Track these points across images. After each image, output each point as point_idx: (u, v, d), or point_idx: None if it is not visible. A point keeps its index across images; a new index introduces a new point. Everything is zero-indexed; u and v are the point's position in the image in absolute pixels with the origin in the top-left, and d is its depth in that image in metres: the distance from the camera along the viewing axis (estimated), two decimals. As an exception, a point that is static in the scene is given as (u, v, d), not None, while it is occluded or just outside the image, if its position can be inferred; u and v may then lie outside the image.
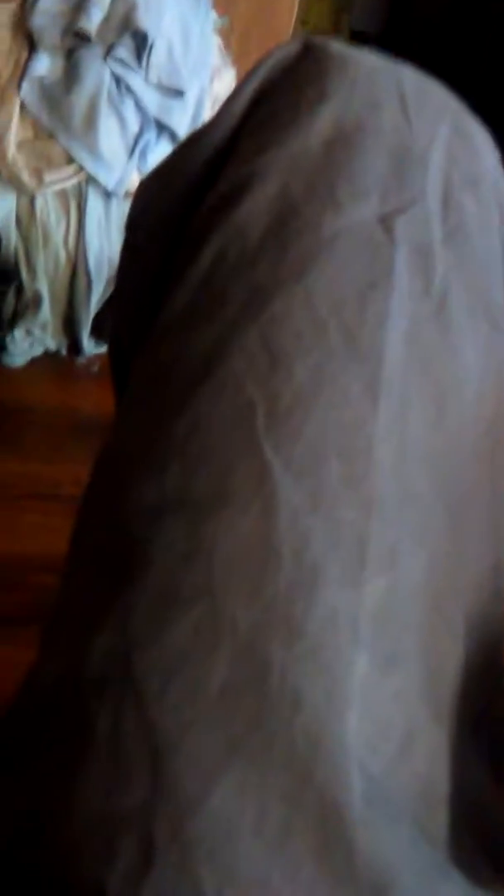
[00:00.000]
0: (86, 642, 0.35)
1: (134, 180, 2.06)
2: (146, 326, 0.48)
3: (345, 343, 0.40)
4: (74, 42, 1.89)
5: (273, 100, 0.50)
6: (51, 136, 1.97)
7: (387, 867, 0.31)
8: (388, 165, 0.46)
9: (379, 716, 0.34)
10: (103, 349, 2.15)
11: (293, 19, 2.22)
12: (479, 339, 0.44)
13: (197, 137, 0.53)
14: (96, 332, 2.18)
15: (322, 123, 0.47)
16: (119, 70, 1.92)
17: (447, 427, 0.41)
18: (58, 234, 2.06)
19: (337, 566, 0.35)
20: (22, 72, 1.91)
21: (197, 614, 0.34)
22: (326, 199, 0.44)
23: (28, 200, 2.02)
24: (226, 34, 2.16)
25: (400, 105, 0.48)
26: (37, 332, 2.10)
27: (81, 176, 2.01)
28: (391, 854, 0.31)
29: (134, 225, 0.57)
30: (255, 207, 0.45)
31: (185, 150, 0.54)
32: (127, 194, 2.08)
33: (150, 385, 0.43)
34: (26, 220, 2.04)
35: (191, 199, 0.51)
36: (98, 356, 2.14)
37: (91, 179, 2.01)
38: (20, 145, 1.97)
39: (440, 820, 0.34)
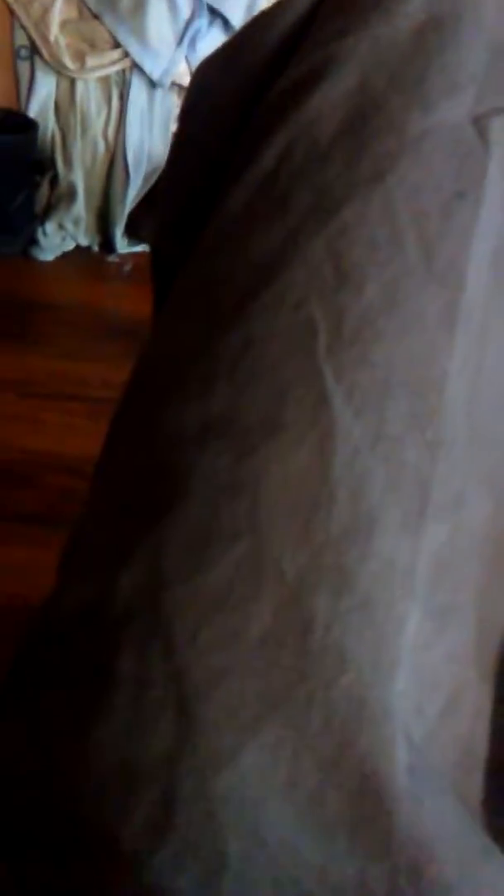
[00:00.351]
0: (113, 575, 0.32)
1: (182, 71, 1.97)
2: (196, 229, 0.44)
3: (424, 259, 0.35)
4: None
5: (357, -23, 0.44)
6: (96, 16, 1.88)
7: (426, 844, 0.29)
8: (486, 60, 0.40)
9: (427, 675, 0.31)
10: (137, 248, 2.10)
11: None
12: None
13: (267, 16, 0.48)
14: (130, 230, 2.12)
15: (414, 7, 0.41)
16: None
17: None
18: (97, 124, 1.98)
19: (396, 511, 0.32)
20: None
21: (238, 554, 0.31)
22: (413, 94, 0.39)
23: (68, 85, 1.94)
24: None
25: None
26: (69, 226, 2.05)
27: (126, 62, 1.92)
28: (431, 830, 0.29)
29: (189, 112, 0.52)
30: (330, 99, 0.40)
31: (253, 30, 0.48)
32: (173, 85, 1.99)
33: (198, 295, 0.39)
34: (65, 106, 1.96)
35: (256, 86, 0.46)
36: (131, 255, 2.09)
37: (136, 67, 1.92)
38: (63, 25, 1.88)
39: (476, 780, 0.32)
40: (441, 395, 0.35)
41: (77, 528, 0.37)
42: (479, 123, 0.39)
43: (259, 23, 0.49)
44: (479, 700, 0.33)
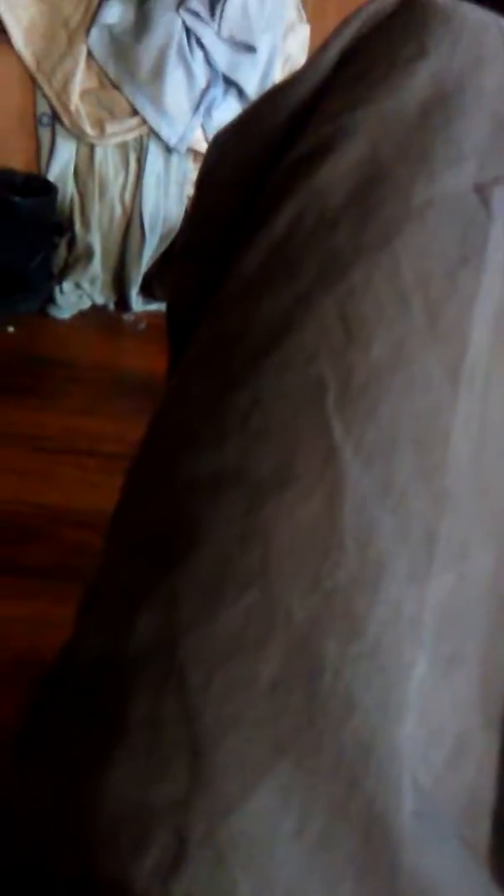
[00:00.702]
0: (129, 620, 0.33)
1: (197, 137, 2.02)
2: (210, 292, 0.45)
3: (429, 321, 0.37)
4: (147, -10, 1.85)
5: (366, 54, 0.47)
6: (116, 86, 1.94)
7: (431, 889, 0.29)
8: (488, 130, 0.42)
9: (434, 721, 0.32)
10: (151, 307, 2.13)
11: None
12: None
13: (279, 90, 0.50)
14: (146, 289, 2.16)
15: (419, 81, 0.43)
16: (191, 21, 1.88)
17: None
18: (115, 188, 2.03)
19: (403, 561, 0.33)
20: (92, 18, 1.87)
21: (250, 601, 0.32)
22: (419, 164, 0.41)
23: (88, 151, 1.99)
24: (302, -9, 2.10)
25: None
26: (86, 285, 2.09)
27: (143, 129, 1.98)
28: (436, 875, 0.29)
29: (205, 181, 0.54)
30: (339, 169, 0.42)
31: (266, 103, 0.51)
32: (189, 151, 2.05)
33: (212, 354, 0.40)
34: (84, 170, 2.01)
35: (269, 156, 0.48)
36: (146, 314, 2.12)
37: (153, 133, 1.98)
38: (84, 94, 1.94)
39: (483, 829, 0.32)
40: (446, 449, 0.36)
41: (93, 577, 0.37)
42: (482, 192, 0.41)
43: (272, 96, 0.51)
44: (485, 749, 0.34)
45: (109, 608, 0.35)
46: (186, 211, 0.55)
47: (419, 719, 0.32)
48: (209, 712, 0.30)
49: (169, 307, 0.58)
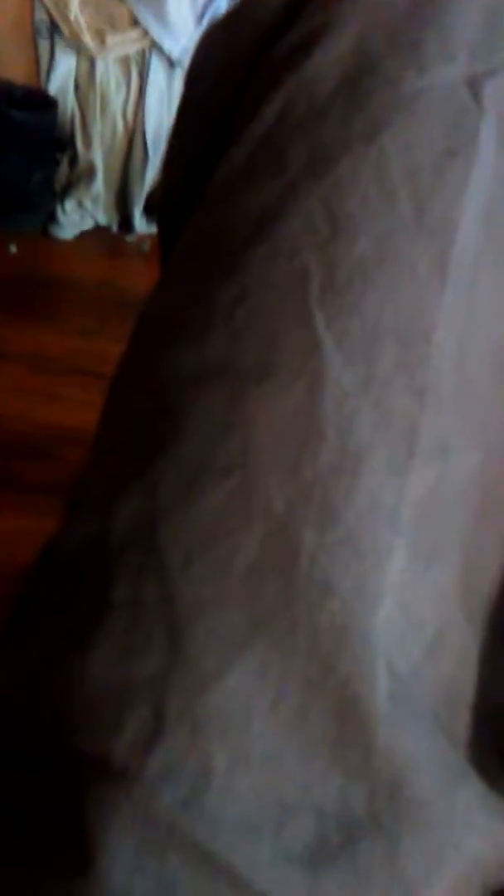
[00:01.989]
0: (111, 507, 0.34)
1: (200, 49, 1.96)
2: (199, 189, 0.45)
3: (415, 214, 0.36)
4: None
5: None
6: (117, -6, 1.89)
7: (405, 765, 0.30)
8: (480, 22, 0.41)
9: (412, 613, 0.33)
10: (155, 228, 2.10)
11: None
12: None
13: (270, -17, 0.49)
14: (149, 209, 2.13)
15: None
16: None
17: None
18: (116, 102, 1.99)
19: (383, 452, 0.33)
20: None
21: (230, 487, 0.32)
22: (409, 56, 0.40)
23: (88, 64, 1.94)
24: None
25: None
26: (88, 204, 2.06)
27: (146, 42, 1.93)
28: (410, 753, 0.31)
29: (194, 77, 0.53)
30: (327, 60, 0.41)
31: (256, -4, 0.49)
32: (191, 64, 1.99)
33: (197, 249, 0.40)
34: (85, 85, 1.97)
35: (258, 49, 0.47)
36: (149, 235, 2.09)
37: (155, 46, 1.93)
38: (83, 3, 1.88)
39: (462, 721, 0.33)
40: (429, 344, 0.36)
41: (82, 469, 0.38)
42: (473, 85, 0.40)
43: (263, -11, 0.49)
44: (465, 643, 0.35)
45: (94, 497, 0.36)
46: (176, 112, 0.54)
47: (397, 608, 0.33)
48: (188, 593, 0.31)
49: (159, 215, 0.58)
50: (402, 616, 0.32)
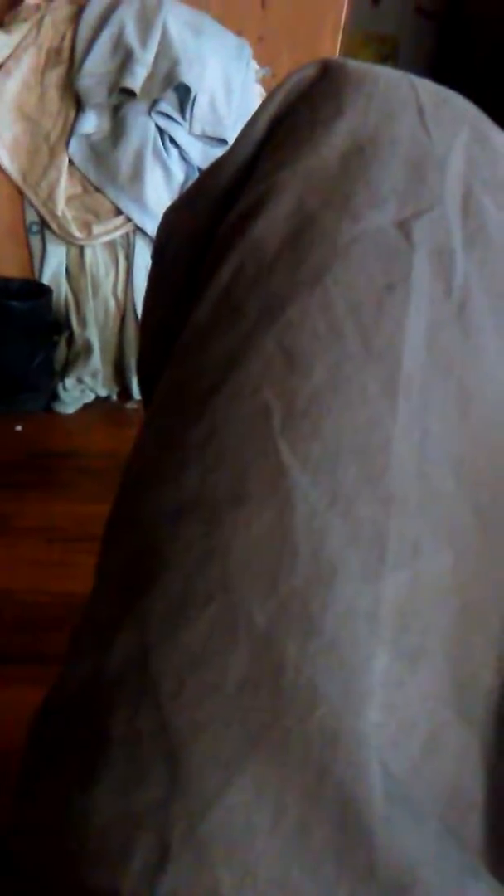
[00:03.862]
0: (107, 645, 0.35)
1: (180, 228, 2.10)
2: (169, 349, 0.49)
3: (362, 343, 0.40)
4: (120, 99, 1.96)
5: (292, 119, 0.51)
6: (98, 189, 2.03)
7: (409, 865, 0.30)
8: (404, 173, 0.46)
9: (402, 713, 0.33)
10: (153, 394, 2.17)
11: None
12: (502, 340, 0.43)
13: (218, 164, 0.55)
14: (146, 377, 2.21)
15: (338, 138, 0.47)
16: (163, 123, 1.98)
17: (471, 428, 0.40)
18: (107, 284, 2.11)
19: (356, 562, 0.35)
20: (70, 130, 1.98)
21: (213, 612, 0.34)
22: (342, 209, 0.44)
23: (78, 252, 2.08)
24: (268, 83, 2.21)
25: (417, 115, 0.49)
26: (88, 379, 2.15)
27: (129, 227, 2.06)
28: (414, 852, 0.30)
29: (160, 251, 0.58)
30: (272, 221, 0.46)
31: (208, 176, 0.55)
32: (173, 242, 2.12)
33: (169, 398, 0.44)
34: (76, 271, 2.09)
35: (213, 221, 0.52)
36: (148, 401, 2.16)
37: (138, 229, 2.07)
38: (69, 200, 2.03)
39: (473, 823, 0.33)
40: (388, 456, 0.38)
41: (81, 614, 0.40)
42: (403, 227, 0.44)
43: (213, 169, 0.55)
44: (462, 743, 0.35)
45: (91, 637, 0.37)
46: (147, 285, 0.58)
47: (386, 708, 0.33)
48: (182, 718, 0.32)
49: (139, 379, 0.62)
50: (391, 716, 0.33)
